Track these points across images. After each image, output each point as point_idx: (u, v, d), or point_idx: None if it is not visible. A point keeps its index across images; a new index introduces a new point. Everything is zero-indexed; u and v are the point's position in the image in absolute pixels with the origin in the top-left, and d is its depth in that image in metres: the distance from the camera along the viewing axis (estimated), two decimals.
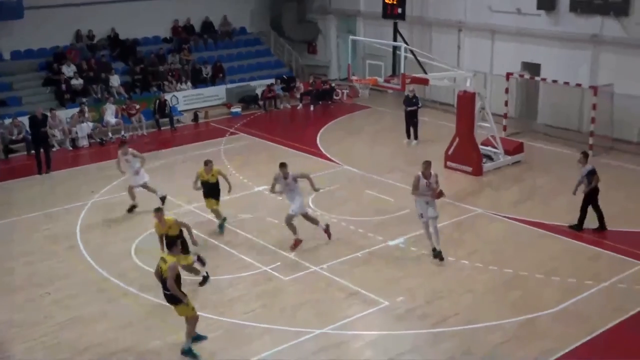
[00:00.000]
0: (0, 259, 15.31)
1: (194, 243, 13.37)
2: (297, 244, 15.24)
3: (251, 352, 11.45)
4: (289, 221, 15.16)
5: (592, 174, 15.49)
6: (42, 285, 13.96)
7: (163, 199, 17.74)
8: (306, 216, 15.41)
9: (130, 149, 17.72)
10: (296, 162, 21.44)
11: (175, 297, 11.06)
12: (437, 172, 14.61)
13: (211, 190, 16.09)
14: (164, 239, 12.94)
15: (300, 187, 15.28)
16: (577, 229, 15.81)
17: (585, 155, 15.81)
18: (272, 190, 15.49)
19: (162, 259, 11.22)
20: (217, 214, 16.30)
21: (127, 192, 17.67)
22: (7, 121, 23.59)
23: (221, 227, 16.31)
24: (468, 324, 12.14)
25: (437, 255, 14.39)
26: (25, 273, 14.58)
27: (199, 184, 16.13)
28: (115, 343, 11.85)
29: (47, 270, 14.64)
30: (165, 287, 11.09)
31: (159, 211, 13.08)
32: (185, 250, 13.12)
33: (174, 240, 12.30)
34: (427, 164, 14.39)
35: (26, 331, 12.28)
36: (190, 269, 13.42)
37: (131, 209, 17.66)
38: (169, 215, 13.53)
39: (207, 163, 15.94)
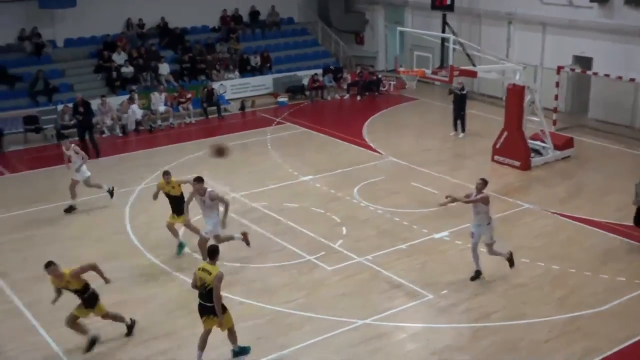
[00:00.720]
0: (48, 242, 15.66)
1: (106, 281, 11.64)
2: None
3: (293, 341, 11.51)
4: (201, 244, 13.64)
5: None
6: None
7: (111, 192, 17.64)
8: (218, 238, 13.65)
9: (72, 145, 17.45)
10: (342, 153, 21.58)
11: (208, 308, 10.52)
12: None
13: (174, 204, 14.58)
14: (61, 291, 11.25)
15: (217, 207, 13.80)
16: None
17: None
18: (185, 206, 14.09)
19: (204, 269, 10.50)
20: (173, 231, 14.69)
21: (69, 189, 17.23)
22: (60, 107, 24.14)
23: (181, 247, 14.76)
24: (512, 320, 12.01)
25: (510, 260, 13.38)
26: (73, 256, 14.82)
27: (158, 195, 14.86)
28: (159, 327, 12.03)
29: (95, 254, 14.81)
30: (205, 299, 10.52)
31: (49, 266, 11.00)
32: (93, 301, 11.28)
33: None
34: (483, 184, 13.08)
35: None
36: (108, 316, 11.58)
37: (69, 209, 17.22)
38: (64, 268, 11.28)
39: (165, 174, 14.55)
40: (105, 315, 11.51)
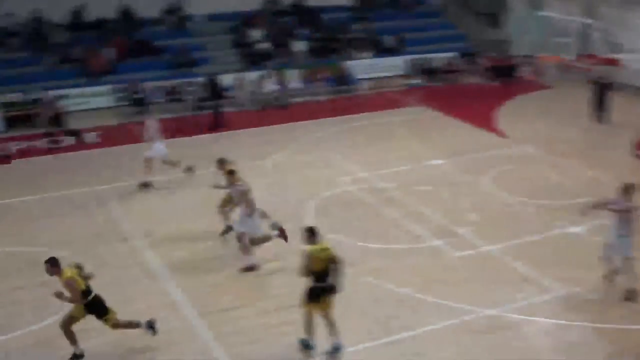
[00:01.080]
0: (170, 211, 16.22)
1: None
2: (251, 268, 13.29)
3: (415, 325, 11.40)
4: (242, 240, 13.25)
5: None
6: (200, 239, 14.47)
7: (146, 185, 17.49)
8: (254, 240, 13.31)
9: (152, 121, 17.43)
10: (474, 138, 21.18)
11: (335, 287, 10.27)
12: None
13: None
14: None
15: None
16: None
17: None
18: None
19: (322, 249, 10.18)
20: (223, 214, 14.49)
21: (165, 165, 17.62)
22: (198, 80, 25.12)
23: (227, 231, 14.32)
24: None
25: (630, 295, 11.99)
26: (184, 228, 15.18)
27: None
28: (250, 307, 12.04)
29: (203, 227, 15.03)
30: (325, 279, 10.21)
31: (46, 263, 10.03)
32: (103, 309, 10.40)
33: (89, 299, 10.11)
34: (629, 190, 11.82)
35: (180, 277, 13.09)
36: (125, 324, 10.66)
37: (188, 169, 17.69)
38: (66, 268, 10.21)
39: (221, 161, 14.21)
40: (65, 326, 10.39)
